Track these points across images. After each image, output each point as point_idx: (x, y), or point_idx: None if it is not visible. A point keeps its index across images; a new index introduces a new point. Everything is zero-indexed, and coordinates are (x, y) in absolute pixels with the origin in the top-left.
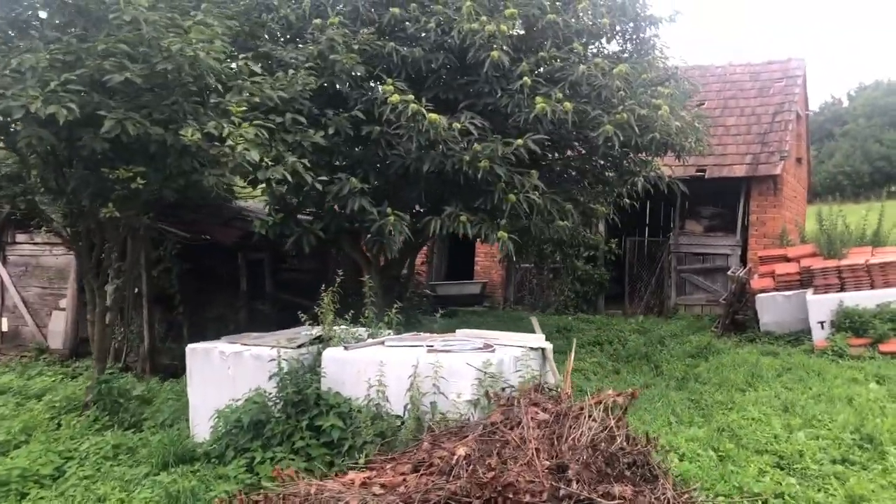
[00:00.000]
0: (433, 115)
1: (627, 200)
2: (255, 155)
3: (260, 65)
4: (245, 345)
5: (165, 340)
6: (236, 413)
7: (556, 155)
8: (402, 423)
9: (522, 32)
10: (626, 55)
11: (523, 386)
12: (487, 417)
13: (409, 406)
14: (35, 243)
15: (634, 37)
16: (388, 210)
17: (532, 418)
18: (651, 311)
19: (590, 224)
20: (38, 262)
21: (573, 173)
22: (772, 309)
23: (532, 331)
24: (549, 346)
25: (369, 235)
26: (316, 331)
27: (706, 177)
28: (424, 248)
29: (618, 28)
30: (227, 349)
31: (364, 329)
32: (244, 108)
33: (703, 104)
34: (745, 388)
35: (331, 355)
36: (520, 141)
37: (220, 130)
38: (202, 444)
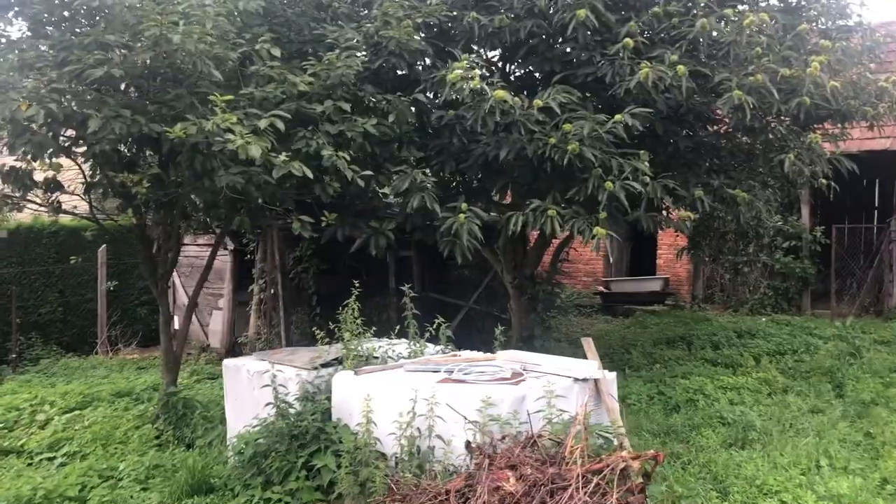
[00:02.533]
0: (500, 92)
1: (824, 181)
2: (254, 150)
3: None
4: (272, 362)
5: (303, 342)
6: (242, 442)
7: (685, 131)
8: (392, 469)
9: None
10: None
11: (555, 429)
12: (445, 484)
13: (405, 448)
14: (198, 244)
15: None
16: (464, 206)
17: (497, 487)
18: (867, 312)
19: (790, 209)
20: (201, 263)
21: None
22: None
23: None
24: (605, 375)
25: (440, 235)
26: (335, 349)
27: None
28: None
29: None
30: (252, 367)
31: (405, 345)
32: (230, 99)
33: None
34: None
35: (340, 380)
36: (618, 117)
37: (216, 124)
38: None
